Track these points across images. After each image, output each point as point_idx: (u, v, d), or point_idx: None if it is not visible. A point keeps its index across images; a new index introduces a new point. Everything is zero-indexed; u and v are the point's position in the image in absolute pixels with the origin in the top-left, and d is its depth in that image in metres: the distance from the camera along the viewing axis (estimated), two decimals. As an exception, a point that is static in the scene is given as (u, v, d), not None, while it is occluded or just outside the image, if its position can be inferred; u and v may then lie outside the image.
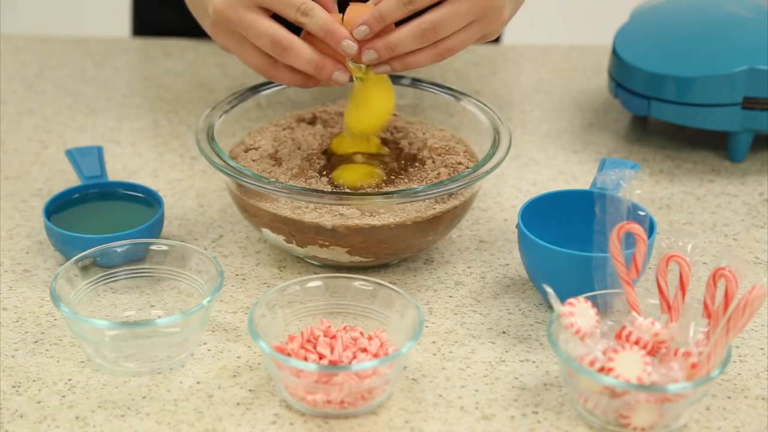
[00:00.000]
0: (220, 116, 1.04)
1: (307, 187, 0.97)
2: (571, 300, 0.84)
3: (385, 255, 0.98)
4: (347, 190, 0.97)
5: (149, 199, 1.04)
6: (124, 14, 1.51)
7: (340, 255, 0.97)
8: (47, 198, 1.08)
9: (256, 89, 1.08)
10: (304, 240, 0.96)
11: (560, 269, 0.91)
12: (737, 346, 0.91)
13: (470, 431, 0.83)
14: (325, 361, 0.84)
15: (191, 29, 1.40)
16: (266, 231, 0.98)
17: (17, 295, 0.96)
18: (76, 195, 1.04)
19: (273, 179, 0.97)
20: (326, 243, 0.96)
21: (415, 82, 1.10)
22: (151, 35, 1.43)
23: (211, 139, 1.00)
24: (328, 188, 0.98)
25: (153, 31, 1.43)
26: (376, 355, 0.85)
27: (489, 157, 0.98)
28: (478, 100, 1.06)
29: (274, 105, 1.10)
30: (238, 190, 0.98)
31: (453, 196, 0.97)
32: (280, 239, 0.98)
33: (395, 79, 1.07)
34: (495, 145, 1.00)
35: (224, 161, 0.97)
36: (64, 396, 0.86)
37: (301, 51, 0.93)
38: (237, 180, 0.95)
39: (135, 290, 0.94)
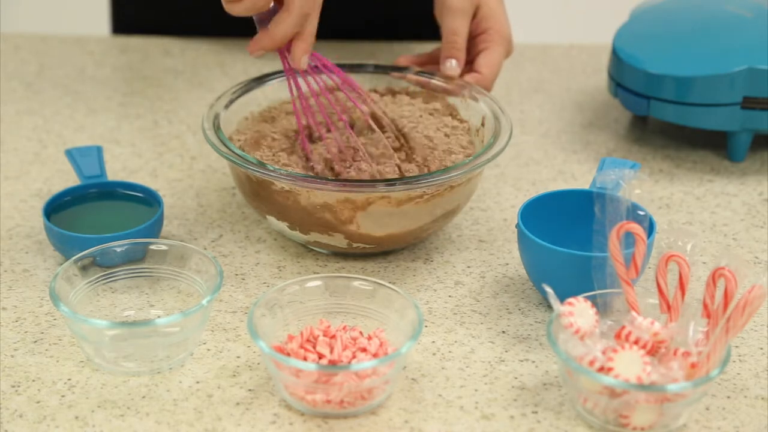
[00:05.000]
0: (226, 106, 1.05)
1: (312, 174, 0.98)
2: (571, 300, 0.84)
3: (386, 243, 0.99)
4: (351, 178, 0.99)
5: (149, 199, 1.04)
6: (103, 12, 1.51)
7: (340, 241, 0.98)
8: (46, 198, 1.08)
9: (260, 80, 1.10)
10: (306, 227, 0.97)
11: (560, 269, 0.91)
12: (737, 346, 0.91)
13: (470, 431, 0.83)
14: (324, 361, 0.84)
15: (170, 27, 1.40)
16: (271, 218, 1.00)
17: (17, 295, 0.96)
18: (76, 195, 1.04)
19: (278, 167, 0.97)
20: (327, 230, 0.97)
21: (420, 72, 1.12)
22: (130, 33, 1.43)
23: (217, 128, 1.01)
24: (332, 174, 0.99)
25: (132, 29, 1.43)
26: (375, 355, 0.85)
27: (489, 146, 0.99)
28: (480, 91, 1.08)
29: (278, 94, 1.11)
30: (245, 178, 0.99)
31: (452, 183, 0.98)
32: (283, 226, 0.99)
33: (402, 69, 1.12)
34: (496, 135, 1.01)
35: (230, 149, 0.98)
36: (63, 396, 0.85)
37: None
38: (244, 169, 0.96)
39: (134, 290, 0.94)
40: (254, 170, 0.96)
